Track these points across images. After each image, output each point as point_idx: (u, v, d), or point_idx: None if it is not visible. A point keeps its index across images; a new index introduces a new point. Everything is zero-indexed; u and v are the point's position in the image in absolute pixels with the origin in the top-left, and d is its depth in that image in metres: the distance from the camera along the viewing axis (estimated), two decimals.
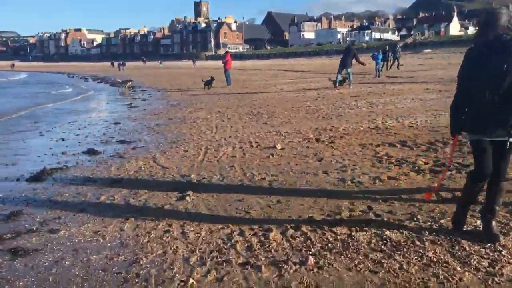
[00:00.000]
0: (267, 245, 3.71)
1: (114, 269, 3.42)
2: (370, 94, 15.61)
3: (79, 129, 11.32)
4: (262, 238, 3.86)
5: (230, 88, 22.19)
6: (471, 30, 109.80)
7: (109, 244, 3.90)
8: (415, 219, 4.07)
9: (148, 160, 7.18)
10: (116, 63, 69.87)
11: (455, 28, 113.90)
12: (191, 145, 8.36)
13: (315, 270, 3.24)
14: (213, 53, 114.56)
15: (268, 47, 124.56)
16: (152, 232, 4.12)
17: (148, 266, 3.45)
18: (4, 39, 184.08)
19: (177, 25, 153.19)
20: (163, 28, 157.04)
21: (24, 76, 57.31)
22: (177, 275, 3.29)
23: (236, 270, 3.32)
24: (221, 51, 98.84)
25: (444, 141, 7.29)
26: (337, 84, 18.63)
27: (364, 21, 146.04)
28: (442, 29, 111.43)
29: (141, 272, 3.35)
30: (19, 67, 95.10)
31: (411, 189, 4.94)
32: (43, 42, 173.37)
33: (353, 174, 5.70)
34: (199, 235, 4.02)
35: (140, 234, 4.08)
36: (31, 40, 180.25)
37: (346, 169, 5.98)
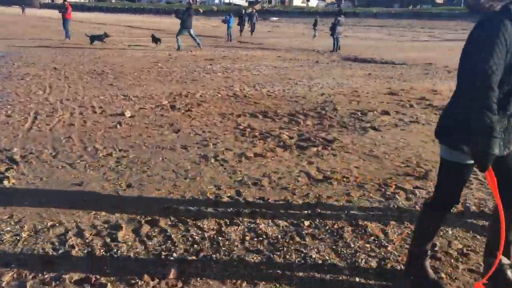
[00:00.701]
0: (115, 250, 2.86)
1: None
2: (224, 58, 15.07)
3: None
4: (108, 240, 2.99)
5: (69, 42, 19.69)
6: (313, 2, 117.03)
7: None
8: (289, 206, 3.59)
9: None
10: None
11: None
12: (17, 108, 6.81)
13: (179, 286, 2.52)
14: (49, 1, 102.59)
15: (113, 0, 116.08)
16: None
17: None
18: None
19: None
20: None
21: None
22: None
23: None
24: (59, 0, 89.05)
25: (304, 113, 7.06)
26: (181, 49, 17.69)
27: None
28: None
29: None
30: None
31: (280, 169, 4.47)
32: None
33: (216, 150, 5.04)
34: (17, 238, 2.97)
35: None
36: None
37: (208, 143, 5.30)
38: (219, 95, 8.44)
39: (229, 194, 3.79)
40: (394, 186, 3.98)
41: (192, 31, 17.95)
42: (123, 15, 71.74)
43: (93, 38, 19.16)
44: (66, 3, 22.23)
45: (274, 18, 61.68)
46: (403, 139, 5.57)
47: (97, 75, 10.49)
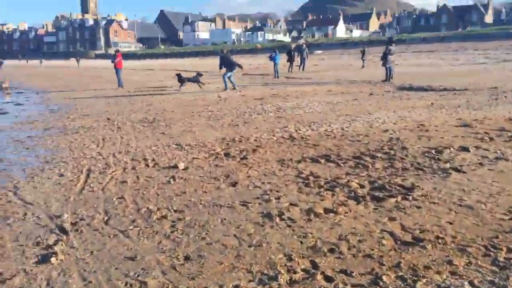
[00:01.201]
0: None
1: None
2: (274, 97, 14.73)
3: None
4: None
5: (122, 90, 20.10)
6: (356, 33, 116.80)
7: None
8: (380, 282, 2.95)
9: (5, 192, 5.35)
10: None
11: (341, 30, 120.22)
12: (70, 166, 6.60)
13: None
14: (103, 52, 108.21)
15: (162, 47, 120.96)
16: None
17: None
18: None
19: (62, 21, 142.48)
20: (46, 24, 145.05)
21: None
22: None
23: None
24: (112, 50, 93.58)
25: (370, 154, 6.43)
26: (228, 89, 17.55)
27: (257, 22, 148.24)
28: (330, 32, 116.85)
29: None
30: None
31: (357, 228, 3.86)
32: None
33: (280, 206, 4.50)
34: None
35: None
36: None
37: (269, 197, 4.78)
38: (274, 138, 7.97)
39: (303, 267, 3.21)
40: (505, 249, 3.26)
41: (232, 73, 17.75)
42: (171, 60, 74.28)
43: (182, 80, 18.04)
44: (117, 53, 22.93)
45: (319, 51, 61.67)
46: (495, 182, 4.81)
47: (149, 123, 10.34)
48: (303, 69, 28.17)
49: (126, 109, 13.25)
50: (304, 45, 33.89)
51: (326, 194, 4.80)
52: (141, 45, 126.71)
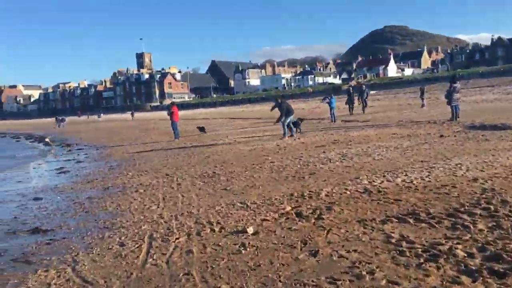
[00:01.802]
0: None
1: None
2: (336, 143, 14.02)
3: None
4: None
5: (178, 142, 20.11)
6: (408, 71, 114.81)
7: None
8: None
9: (64, 268, 4.92)
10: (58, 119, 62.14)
11: (392, 70, 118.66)
12: (130, 232, 6.16)
13: None
14: (158, 104, 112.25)
15: (214, 95, 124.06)
16: None
17: None
18: None
19: (119, 77, 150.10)
20: (105, 81, 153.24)
21: None
22: None
23: None
24: (167, 101, 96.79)
25: (466, 210, 5.56)
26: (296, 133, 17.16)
27: (306, 66, 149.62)
28: (381, 71, 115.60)
29: None
30: None
31: None
32: None
33: (376, 284, 3.75)
34: None
35: None
36: None
37: (360, 271, 4.03)
38: (347, 192, 7.23)
39: None
40: None
41: (289, 119, 17.26)
42: (223, 108, 75.65)
43: (294, 125, 17.61)
44: (172, 105, 23.23)
45: (372, 92, 60.56)
46: None
47: (209, 178, 9.90)
48: (363, 111, 27.29)
49: (185, 162, 12.97)
50: (364, 86, 33.09)
51: (429, 266, 4.00)
52: (193, 95, 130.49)
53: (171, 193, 8.67)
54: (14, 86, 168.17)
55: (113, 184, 10.36)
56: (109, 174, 12.16)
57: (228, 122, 34.31)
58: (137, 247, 5.43)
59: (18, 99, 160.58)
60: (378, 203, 6.38)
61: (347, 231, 5.24)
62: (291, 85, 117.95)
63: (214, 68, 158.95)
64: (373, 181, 7.86)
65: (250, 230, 5.63)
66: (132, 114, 69.61)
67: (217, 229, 5.85)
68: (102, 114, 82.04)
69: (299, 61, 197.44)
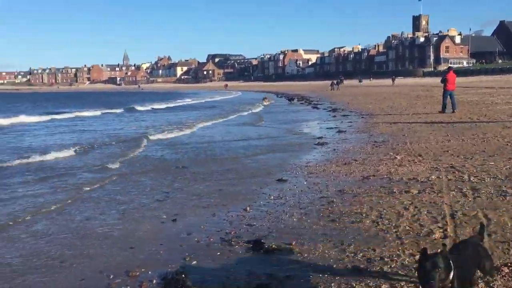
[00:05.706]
0: None
1: None
2: None
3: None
4: None
5: (456, 115, 16.06)
6: None
7: None
8: None
9: None
10: (334, 81, 60.42)
11: None
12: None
13: None
14: (432, 69, 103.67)
15: (500, 61, 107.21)
16: None
17: None
18: (232, 61, 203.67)
19: (393, 41, 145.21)
20: (378, 45, 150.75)
21: (233, 95, 59.89)
22: None
23: None
24: (442, 67, 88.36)
25: None
26: None
27: None
28: None
29: None
30: (232, 87, 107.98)
31: None
32: (263, 64, 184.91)
33: None
34: None
35: None
36: (254, 62, 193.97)
37: None
38: None
39: None
40: None
41: None
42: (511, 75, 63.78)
43: None
44: (449, 70, 19.00)
45: None
46: None
47: None
48: None
49: (475, 148, 9.32)
50: None
51: None
52: (474, 60, 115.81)
53: (465, 204, 5.48)
54: (296, 50, 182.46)
55: (375, 173, 7.72)
56: (371, 154, 9.58)
57: None
58: None
59: (298, 62, 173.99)
60: None
61: None
62: None
63: (502, 30, 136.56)
64: None
65: None
66: (393, 79, 66.03)
67: None
68: (363, 80, 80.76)
69: None
